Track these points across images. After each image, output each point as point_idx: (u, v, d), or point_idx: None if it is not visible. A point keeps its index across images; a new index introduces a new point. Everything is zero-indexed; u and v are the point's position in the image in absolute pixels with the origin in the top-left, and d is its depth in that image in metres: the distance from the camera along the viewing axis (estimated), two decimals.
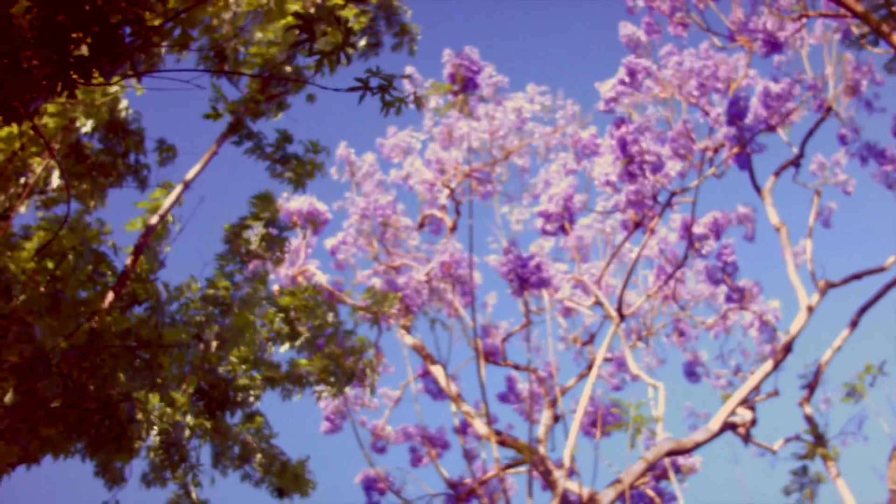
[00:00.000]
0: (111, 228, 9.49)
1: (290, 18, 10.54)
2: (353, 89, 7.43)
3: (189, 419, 10.29)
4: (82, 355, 8.83)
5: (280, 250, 11.88)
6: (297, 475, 11.30)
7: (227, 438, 10.96)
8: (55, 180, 9.80)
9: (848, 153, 18.73)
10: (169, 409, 10.05)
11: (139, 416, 9.54)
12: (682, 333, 21.21)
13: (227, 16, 10.64)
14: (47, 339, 8.36)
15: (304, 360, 11.47)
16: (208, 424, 10.68)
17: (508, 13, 42.41)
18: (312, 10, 10.74)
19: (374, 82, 7.35)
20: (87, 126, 9.65)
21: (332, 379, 11.49)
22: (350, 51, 9.75)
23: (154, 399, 9.98)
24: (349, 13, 11.06)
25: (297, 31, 7.55)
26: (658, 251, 20.46)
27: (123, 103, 10.03)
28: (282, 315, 11.20)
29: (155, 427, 10.12)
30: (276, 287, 12.91)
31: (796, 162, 18.93)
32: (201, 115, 10.72)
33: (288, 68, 10.87)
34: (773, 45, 17.44)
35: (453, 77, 19.02)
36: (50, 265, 8.84)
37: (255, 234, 11.68)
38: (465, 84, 18.71)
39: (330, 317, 11.50)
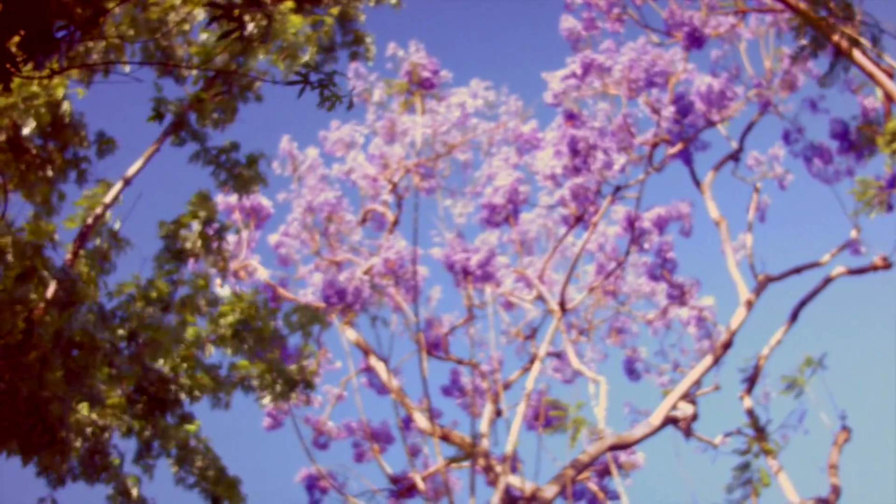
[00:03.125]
0: (54, 226, 9.35)
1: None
2: (292, 83, 7.38)
3: (126, 418, 10.17)
4: (14, 355, 8.67)
5: (220, 253, 11.80)
6: (232, 486, 11.21)
7: (165, 438, 10.84)
8: None
9: (792, 153, 18.89)
10: (95, 416, 9.90)
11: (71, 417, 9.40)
12: (619, 332, 21.30)
13: (172, 17, 10.51)
14: None
15: (244, 362, 11.39)
16: (136, 425, 10.55)
17: (451, 8, 42.37)
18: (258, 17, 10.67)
19: (314, 78, 7.29)
20: (28, 128, 9.46)
21: (276, 387, 11.43)
22: (274, 36, 9.70)
23: (84, 407, 9.84)
24: (298, 18, 10.98)
25: (222, 21, 7.48)
26: (598, 246, 20.53)
27: (65, 104, 9.85)
28: (227, 319, 11.10)
29: (86, 430, 9.98)
30: (217, 282, 12.78)
31: (735, 156, 19.11)
32: (146, 120, 10.58)
33: (232, 67, 10.78)
34: (696, 40, 17.56)
35: (410, 75, 18.96)
36: None
37: (192, 232, 11.61)
38: (422, 83, 18.69)
39: (272, 324, 11.45)
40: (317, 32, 11.85)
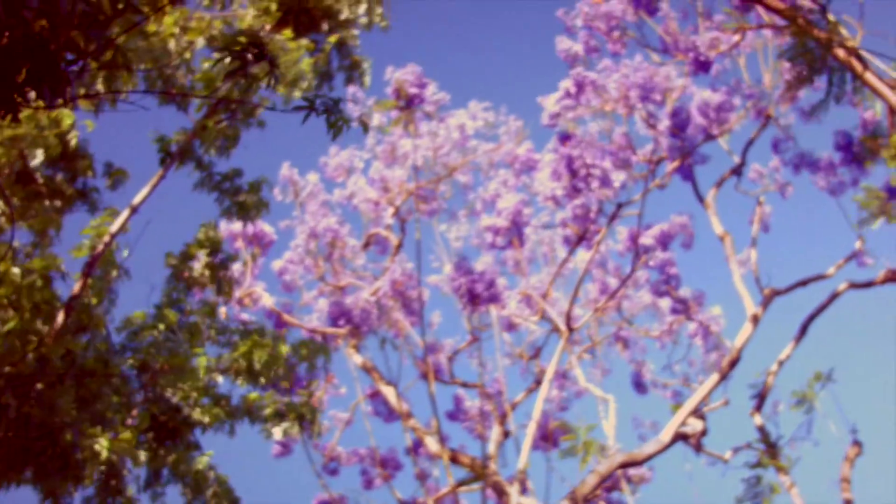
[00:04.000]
0: (62, 259, 9.36)
1: (237, 46, 10.50)
2: (298, 108, 7.40)
3: (140, 453, 10.16)
4: (27, 384, 8.66)
5: (226, 283, 11.87)
6: None
7: (176, 467, 10.82)
8: None
9: (782, 161, 18.91)
10: (106, 443, 9.89)
11: (83, 443, 9.38)
12: (626, 344, 21.26)
13: (172, 45, 10.54)
14: None
15: (255, 395, 11.43)
16: (146, 454, 10.53)
17: (449, 30, 42.55)
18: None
19: (319, 104, 7.31)
20: (37, 158, 9.49)
21: (285, 422, 11.48)
22: (277, 76, 9.76)
23: (96, 433, 9.83)
24: (297, 45, 11.04)
25: (230, 60, 7.51)
26: (599, 264, 20.52)
27: (73, 134, 9.89)
28: (241, 351, 11.16)
29: (99, 457, 9.96)
30: (222, 311, 12.80)
31: (738, 171, 19.09)
32: (159, 162, 10.67)
33: (234, 94, 10.82)
34: (703, 65, 17.63)
35: (397, 93, 18.93)
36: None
37: (198, 262, 11.67)
38: (410, 99, 18.63)
39: (283, 359, 11.50)
40: (315, 58, 11.91)
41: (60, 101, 8.60)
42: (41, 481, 9.31)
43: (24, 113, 8.86)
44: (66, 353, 9.09)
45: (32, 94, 6.47)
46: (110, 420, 9.65)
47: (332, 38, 12.55)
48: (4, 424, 8.38)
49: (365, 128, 7.39)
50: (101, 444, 9.35)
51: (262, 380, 11.31)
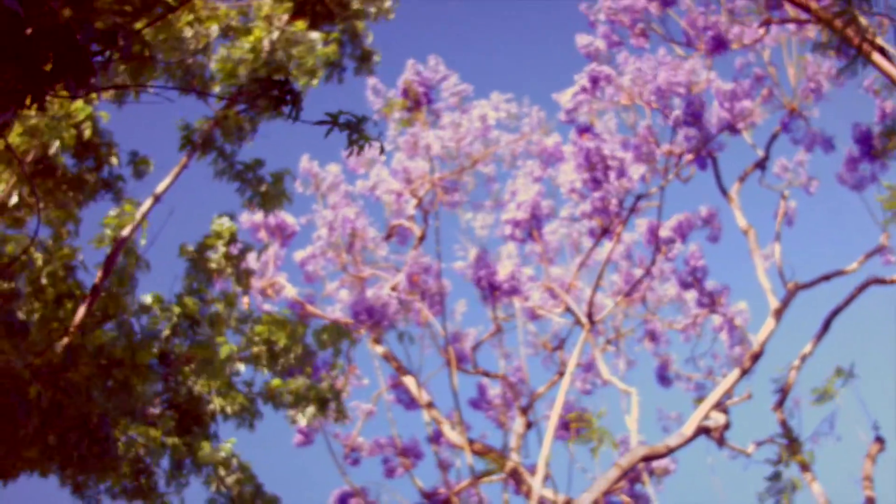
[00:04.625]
0: (80, 248, 9.41)
1: (256, 33, 10.54)
2: (321, 123, 7.41)
3: (168, 440, 10.23)
4: (56, 373, 8.71)
5: (244, 274, 11.91)
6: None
7: (199, 455, 10.86)
8: (15, 197, 9.65)
9: (793, 140, 18.79)
10: (142, 437, 9.96)
11: (116, 434, 9.44)
12: (653, 336, 21.20)
13: (190, 33, 10.55)
14: (15, 358, 8.24)
15: (277, 381, 11.45)
16: (169, 442, 10.58)
17: (471, 22, 42.50)
18: (276, 35, 10.77)
19: (342, 120, 7.33)
20: (53, 147, 9.53)
21: (309, 405, 11.50)
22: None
23: (133, 427, 9.90)
24: (306, 34, 11.06)
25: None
26: (624, 255, 20.49)
27: (88, 124, 9.92)
28: (261, 334, 11.18)
29: (131, 449, 10.02)
30: (245, 300, 12.86)
31: (762, 165, 18.99)
32: (178, 149, 10.72)
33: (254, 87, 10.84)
34: (720, 44, 17.54)
35: (406, 93, 18.88)
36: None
37: (216, 254, 11.72)
38: (419, 100, 18.60)
39: (303, 346, 11.54)
40: (327, 49, 11.92)
41: (85, 92, 8.67)
42: (78, 474, 9.37)
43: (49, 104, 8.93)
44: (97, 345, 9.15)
45: (58, 85, 6.52)
46: (141, 410, 9.70)
47: (340, 25, 12.57)
48: (37, 415, 8.42)
49: (382, 151, 7.34)
50: (142, 436, 9.43)
51: (283, 362, 11.33)
